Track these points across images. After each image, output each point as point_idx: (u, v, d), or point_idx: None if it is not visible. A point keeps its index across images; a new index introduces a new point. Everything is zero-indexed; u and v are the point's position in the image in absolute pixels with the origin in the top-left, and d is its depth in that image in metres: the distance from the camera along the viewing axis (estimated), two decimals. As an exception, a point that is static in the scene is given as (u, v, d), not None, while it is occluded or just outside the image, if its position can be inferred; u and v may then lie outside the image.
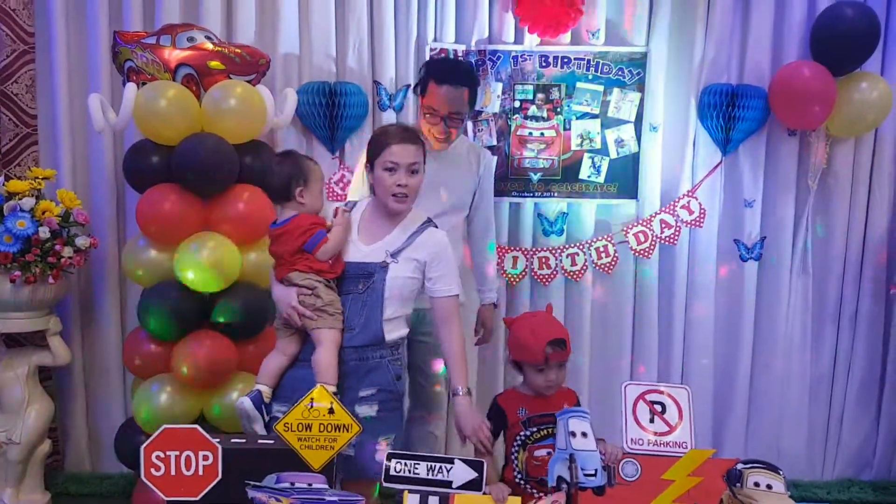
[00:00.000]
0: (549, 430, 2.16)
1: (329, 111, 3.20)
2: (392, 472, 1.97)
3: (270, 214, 3.05)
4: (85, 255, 3.06)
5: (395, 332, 2.26)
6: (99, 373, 3.44)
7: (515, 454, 2.20)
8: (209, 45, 2.96)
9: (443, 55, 3.29)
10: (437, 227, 2.33)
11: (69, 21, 3.25)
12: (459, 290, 2.33)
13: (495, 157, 3.11)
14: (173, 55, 2.91)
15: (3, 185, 2.96)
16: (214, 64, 2.92)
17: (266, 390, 2.24)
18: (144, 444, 1.81)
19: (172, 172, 2.86)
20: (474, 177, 2.88)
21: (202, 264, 2.79)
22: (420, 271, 2.26)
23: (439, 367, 2.78)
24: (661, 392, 2.05)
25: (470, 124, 3.36)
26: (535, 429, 2.19)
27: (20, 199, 2.91)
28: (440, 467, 1.97)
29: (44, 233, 2.91)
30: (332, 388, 2.12)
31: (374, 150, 2.25)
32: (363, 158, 2.37)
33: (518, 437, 2.21)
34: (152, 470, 1.81)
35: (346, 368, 2.20)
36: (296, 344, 2.26)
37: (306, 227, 2.22)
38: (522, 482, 2.17)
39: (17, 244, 2.88)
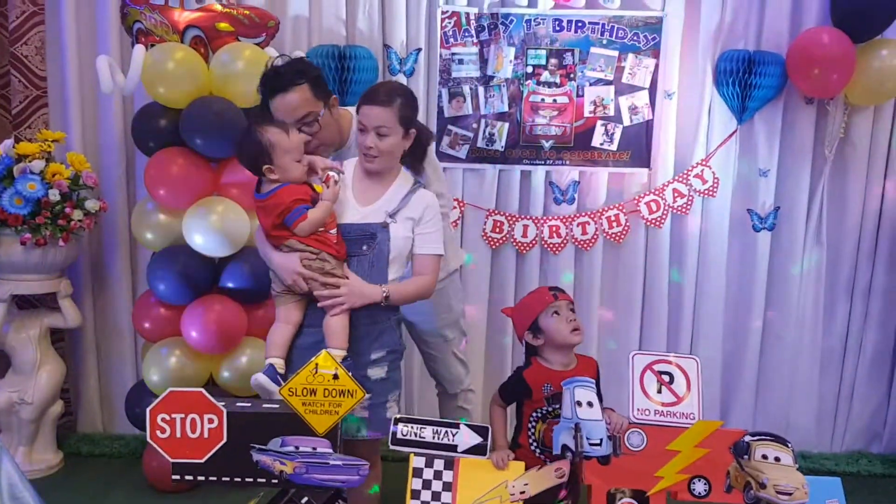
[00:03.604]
0: None
1: (339, 75, 3.15)
2: (399, 436, 2.00)
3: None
4: (95, 218, 3.07)
5: None
6: (110, 335, 3.47)
7: (533, 425, 2.20)
8: (218, 7, 2.92)
9: (453, 18, 3.24)
10: (426, 188, 2.30)
11: (77, -19, 3.22)
12: (443, 252, 2.28)
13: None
14: (182, 17, 2.88)
15: (14, 147, 2.95)
16: (223, 26, 2.88)
17: (279, 363, 2.17)
18: (150, 407, 1.83)
19: (181, 136, 2.85)
20: None
21: (211, 229, 2.79)
22: (413, 230, 2.22)
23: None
24: (670, 362, 2.04)
25: (481, 90, 3.31)
26: (557, 405, 2.17)
27: (30, 161, 2.91)
28: (446, 431, 2.01)
29: (53, 195, 2.91)
30: (343, 353, 2.09)
31: (357, 108, 2.23)
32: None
33: (538, 411, 2.21)
34: (158, 432, 1.83)
35: (357, 333, 2.16)
36: (299, 311, 2.21)
37: (287, 203, 2.11)
38: (538, 451, 2.19)
39: (28, 206, 2.88)
